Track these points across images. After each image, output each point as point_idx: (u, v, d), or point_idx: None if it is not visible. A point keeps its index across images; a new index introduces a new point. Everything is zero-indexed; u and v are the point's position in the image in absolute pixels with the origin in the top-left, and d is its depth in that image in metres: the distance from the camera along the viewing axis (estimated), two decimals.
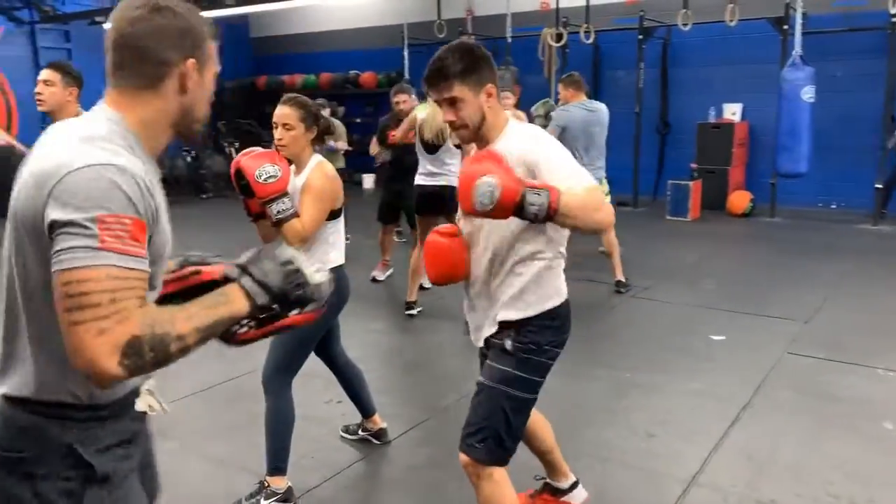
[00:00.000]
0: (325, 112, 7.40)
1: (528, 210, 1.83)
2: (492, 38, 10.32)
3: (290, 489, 2.74)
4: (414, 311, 4.99)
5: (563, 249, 2.13)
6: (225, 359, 4.23)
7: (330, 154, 7.27)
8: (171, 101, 1.27)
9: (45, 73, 3.42)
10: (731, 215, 8.93)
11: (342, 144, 7.16)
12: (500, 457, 2.08)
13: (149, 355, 1.10)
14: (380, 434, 3.22)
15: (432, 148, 4.90)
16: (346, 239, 7.53)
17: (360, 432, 3.24)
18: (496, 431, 2.05)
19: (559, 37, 9.25)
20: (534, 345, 2.06)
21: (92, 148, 1.14)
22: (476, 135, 2.05)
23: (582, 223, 1.89)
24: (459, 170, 2.00)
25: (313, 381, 3.36)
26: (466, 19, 10.56)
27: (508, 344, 2.07)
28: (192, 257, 1.44)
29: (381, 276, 6.14)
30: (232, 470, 3.02)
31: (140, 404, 1.35)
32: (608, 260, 5.76)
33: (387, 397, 3.70)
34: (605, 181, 5.56)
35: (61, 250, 1.07)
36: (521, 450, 2.55)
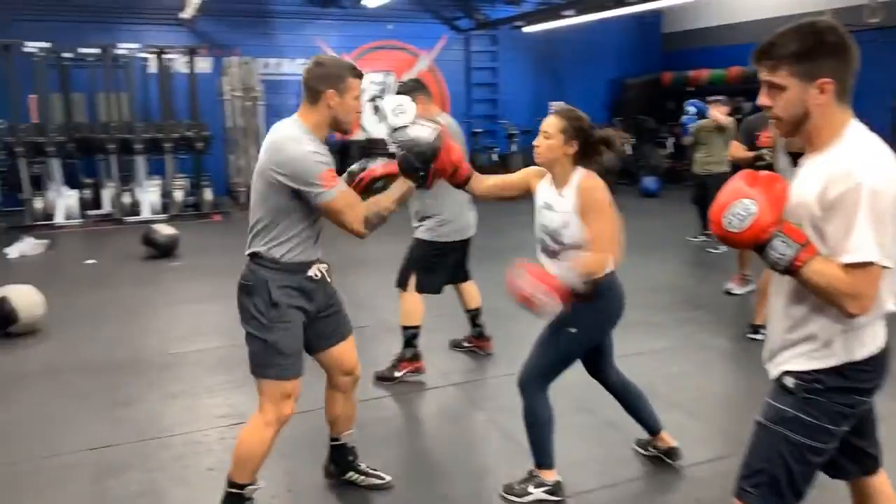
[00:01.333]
0: (721, 109, 6.98)
1: (769, 254, 1.65)
2: None
3: (558, 483, 2.80)
4: (758, 336, 4.35)
5: (890, 304, 1.73)
6: None
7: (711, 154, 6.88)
8: (324, 112, 2.43)
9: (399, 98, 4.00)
10: None
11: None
12: None
13: (375, 221, 2.43)
14: (670, 453, 3.04)
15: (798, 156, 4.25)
16: (717, 248, 7.00)
17: (649, 449, 3.11)
18: (773, 478, 1.79)
19: None
20: (818, 383, 1.74)
21: (306, 142, 2.37)
22: (794, 131, 1.74)
23: (821, 297, 1.67)
24: (733, 179, 1.76)
25: None
26: None
27: (790, 380, 1.79)
28: (353, 169, 2.60)
29: (737, 290, 5.66)
30: (522, 451, 3.17)
31: (310, 271, 2.48)
32: None
33: (700, 422, 3.48)
34: None
35: (313, 194, 2.32)
36: None
